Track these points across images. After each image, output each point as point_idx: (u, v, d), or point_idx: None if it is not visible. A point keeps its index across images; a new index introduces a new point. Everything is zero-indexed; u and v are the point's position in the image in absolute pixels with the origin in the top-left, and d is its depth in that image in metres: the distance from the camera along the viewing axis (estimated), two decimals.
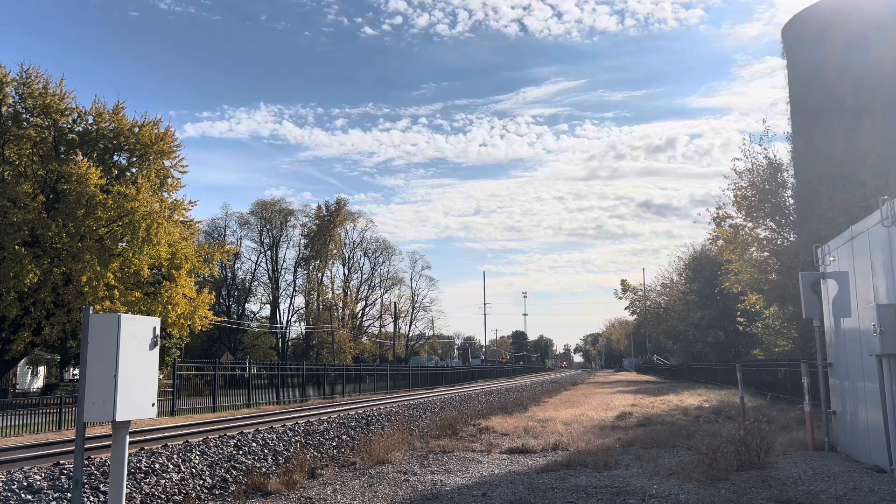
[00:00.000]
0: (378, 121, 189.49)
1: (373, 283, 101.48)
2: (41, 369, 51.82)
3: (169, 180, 32.92)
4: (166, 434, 15.64)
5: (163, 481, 10.51)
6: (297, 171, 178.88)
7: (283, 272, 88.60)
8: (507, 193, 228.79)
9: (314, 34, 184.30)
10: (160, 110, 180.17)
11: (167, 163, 32.75)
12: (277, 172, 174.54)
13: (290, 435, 15.61)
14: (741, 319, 42.76)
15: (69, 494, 8.86)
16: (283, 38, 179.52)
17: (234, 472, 12.02)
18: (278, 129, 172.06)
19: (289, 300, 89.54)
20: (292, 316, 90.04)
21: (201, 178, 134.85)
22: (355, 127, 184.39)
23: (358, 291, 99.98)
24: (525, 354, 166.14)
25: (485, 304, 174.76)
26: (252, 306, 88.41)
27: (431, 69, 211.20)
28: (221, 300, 77.69)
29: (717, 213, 33.80)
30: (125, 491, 6.22)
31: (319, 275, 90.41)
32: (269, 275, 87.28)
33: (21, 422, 19.92)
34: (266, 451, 13.80)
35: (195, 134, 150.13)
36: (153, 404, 6.26)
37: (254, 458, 13.10)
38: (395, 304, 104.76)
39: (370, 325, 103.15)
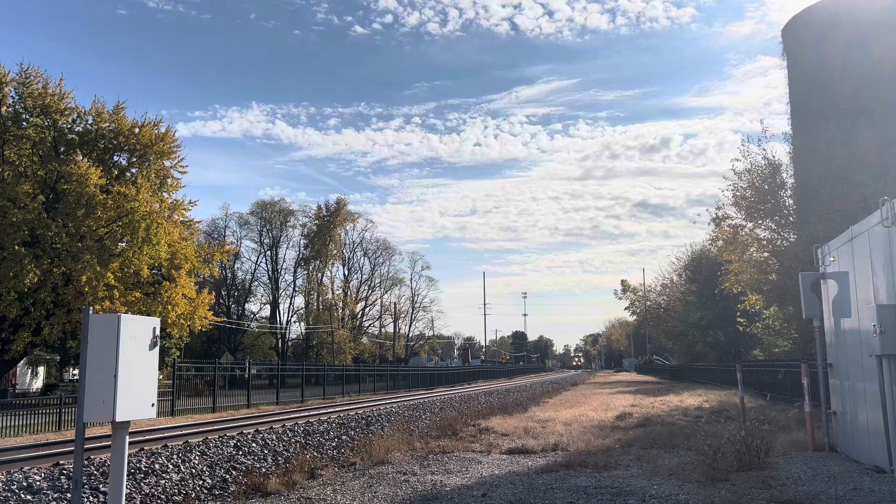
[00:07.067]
0: (371, 120, 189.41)
1: (373, 284, 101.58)
2: (41, 369, 51.82)
3: (169, 180, 32.93)
4: (166, 434, 15.63)
5: (162, 482, 10.51)
6: (292, 171, 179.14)
7: (282, 272, 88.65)
8: (502, 193, 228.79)
9: (304, 33, 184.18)
10: (152, 109, 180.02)
11: (167, 163, 32.77)
12: (272, 172, 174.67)
13: (289, 435, 15.61)
14: (741, 320, 42.75)
15: (69, 495, 8.86)
16: (272, 37, 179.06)
17: (233, 472, 12.02)
18: (271, 128, 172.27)
19: (289, 300, 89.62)
20: (292, 316, 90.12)
21: (195, 178, 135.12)
22: (348, 126, 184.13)
23: (358, 292, 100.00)
24: (525, 355, 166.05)
25: (485, 305, 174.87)
26: (252, 306, 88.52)
27: (423, 68, 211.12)
28: (221, 300, 77.65)
29: (717, 214, 33.76)
30: (125, 491, 6.22)
31: (319, 275, 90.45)
32: (268, 275, 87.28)
33: (21, 422, 19.92)
34: (266, 452, 13.80)
35: (187, 133, 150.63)
36: (153, 404, 6.26)
37: (254, 459, 13.10)
38: (394, 304, 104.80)
39: (370, 325, 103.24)
